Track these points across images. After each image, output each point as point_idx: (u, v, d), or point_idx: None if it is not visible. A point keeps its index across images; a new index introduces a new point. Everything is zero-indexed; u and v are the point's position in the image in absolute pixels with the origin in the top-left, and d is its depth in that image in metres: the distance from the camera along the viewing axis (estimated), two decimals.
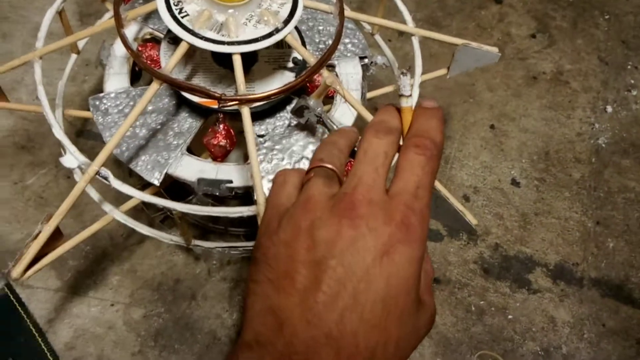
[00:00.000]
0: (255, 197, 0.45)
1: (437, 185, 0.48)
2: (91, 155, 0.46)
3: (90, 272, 0.62)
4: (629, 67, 0.87)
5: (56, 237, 0.45)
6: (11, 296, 0.59)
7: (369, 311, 0.28)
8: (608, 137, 0.79)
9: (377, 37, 0.66)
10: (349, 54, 0.58)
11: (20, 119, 0.70)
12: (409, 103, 0.35)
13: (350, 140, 0.38)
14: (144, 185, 0.52)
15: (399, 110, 0.36)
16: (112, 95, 0.52)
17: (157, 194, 0.54)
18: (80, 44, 0.60)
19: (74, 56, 0.59)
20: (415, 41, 0.56)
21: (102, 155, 0.44)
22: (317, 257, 0.29)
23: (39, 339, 0.57)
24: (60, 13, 0.54)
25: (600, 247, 0.70)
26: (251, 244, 0.55)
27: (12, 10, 0.81)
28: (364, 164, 0.32)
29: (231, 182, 0.48)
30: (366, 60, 0.58)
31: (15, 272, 0.43)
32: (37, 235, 0.44)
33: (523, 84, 0.83)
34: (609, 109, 0.82)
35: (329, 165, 0.34)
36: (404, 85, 0.35)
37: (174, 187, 0.56)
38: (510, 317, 0.65)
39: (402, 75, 0.36)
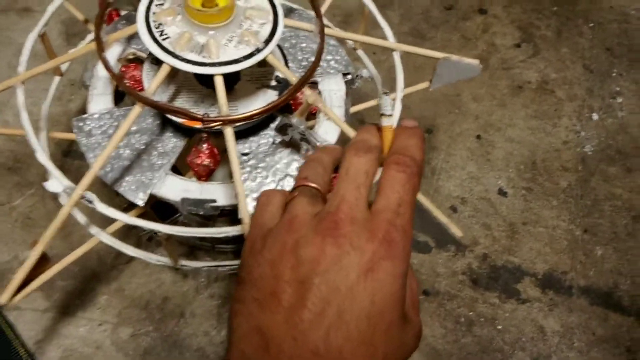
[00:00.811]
0: (240, 216, 0.45)
1: (421, 198, 0.48)
2: (78, 175, 0.46)
3: (78, 292, 0.62)
4: (613, 74, 0.87)
5: (43, 261, 0.46)
6: None
7: (354, 328, 0.29)
8: (594, 144, 0.80)
9: (361, 52, 0.66)
10: (332, 71, 0.58)
11: (7, 141, 0.71)
12: (389, 122, 0.36)
13: (334, 157, 0.39)
14: (129, 204, 0.52)
15: (379, 129, 0.37)
16: (96, 116, 0.52)
17: (145, 212, 0.54)
18: (64, 66, 0.60)
19: (57, 78, 0.59)
20: (396, 56, 0.56)
21: (86, 179, 0.44)
22: (301, 275, 0.30)
23: None
24: (42, 36, 0.54)
25: (588, 255, 0.70)
26: (238, 261, 0.55)
27: None
28: (346, 182, 0.32)
29: (215, 201, 0.48)
30: (349, 77, 0.59)
31: (4, 298, 0.43)
32: (24, 261, 0.44)
33: (508, 94, 0.84)
34: (595, 116, 0.83)
35: (313, 185, 0.35)
36: (385, 105, 0.36)
37: (160, 205, 0.56)
38: (499, 327, 0.65)
39: (383, 94, 0.36)
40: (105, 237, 0.50)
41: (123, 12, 0.59)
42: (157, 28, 0.45)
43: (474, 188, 0.74)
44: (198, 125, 0.48)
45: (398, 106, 0.54)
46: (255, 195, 0.49)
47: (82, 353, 0.59)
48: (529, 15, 0.93)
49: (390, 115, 0.36)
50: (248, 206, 0.46)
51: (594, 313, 0.67)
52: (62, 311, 0.61)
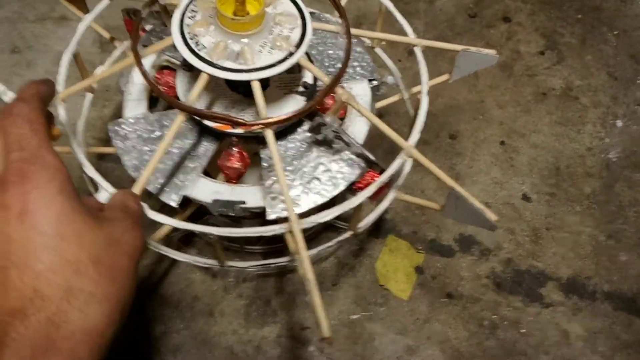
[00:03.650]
0: (283, 215, 0.46)
1: (455, 186, 0.50)
2: (112, 177, 0.48)
3: None
4: (638, 81, 0.87)
5: None
6: None
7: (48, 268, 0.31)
8: (618, 151, 0.80)
9: (380, 52, 0.68)
10: (357, 77, 0.60)
11: None
12: None
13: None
14: (162, 207, 0.54)
15: None
16: (131, 120, 0.54)
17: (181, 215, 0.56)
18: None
19: (89, 95, 0.62)
20: (418, 51, 0.58)
21: (137, 189, 0.46)
22: None
23: None
24: (75, 56, 0.56)
25: (612, 261, 0.71)
26: (278, 260, 0.57)
27: (35, 40, 0.84)
28: None
29: (245, 202, 0.50)
30: (375, 83, 0.60)
31: None
32: None
33: (532, 100, 0.84)
34: (619, 123, 0.83)
35: None
36: None
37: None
38: (523, 331, 0.65)
39: None
40: (153, 244, 0.51)
41: (148, 27, 0.61)
42: (192, 39, 0.47)
43: (498, 193, 0.75)
44: (229, 129, 0.50)
45: (425, 98, 0.55)
46: (282, 197, 0.51)
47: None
48: (553, 22, 0.94)
49: None
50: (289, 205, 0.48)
51: (618, 318, 0.67)
52: None
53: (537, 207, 0.75)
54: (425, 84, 0.56)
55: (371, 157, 0.52)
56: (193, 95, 0.46)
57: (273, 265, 0.56)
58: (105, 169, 0.72)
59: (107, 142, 0.74)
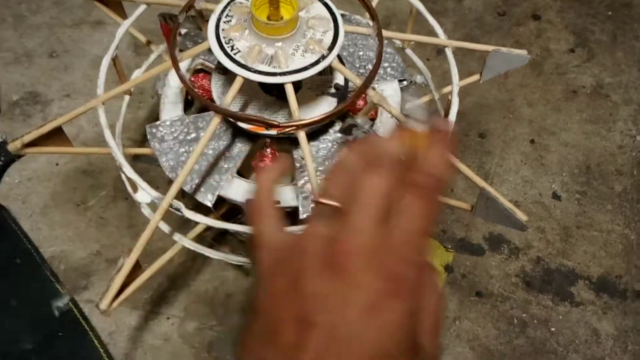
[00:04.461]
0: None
1: (486, 186, 0.50)
2: (147, 177, 0.49)
3: (147, 288, 0.66)
4: None
5: (136, 268, 0.49)
6: (75, 310, 0.64)
7: None
8: None
9: (410, 52, 0.68)
10: (388, 77, 0.60)
11: (81, 145, 0.75)
12: (417, 126, 0.34)
13: (367, 157, 0.34)
14: (196, 205, 0.55)
15: (408, 130, 0.34)
16: (168, 122, 0.56)
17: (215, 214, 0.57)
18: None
19: (127, 97, 0.63)
20: (448, 52, 0.58)
21: (174, 189, 0.47)
22: (303, 313, 0.28)
23: (101, 351, 0.61)
24: (114, 60, 0.58)
25: None
26: None
27: (72, 44, 0.86)
28: (360, 208, 0.30)
29: (278, 202, 0.51)
30: (405, 83, 0.61)
31: (104, 304, 0.46)
32: (120, 268, 0.47)
33: (562, 99, 0.84)
34: None
35: (333, 203, 0.31)
36: (415, 111, 0.34)
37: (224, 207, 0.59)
38: (553, 329, 0.66)
39: (409, 95, 0.35)
40: (187, 242, 0.53)
41: (183, 31, 0.62)
42: (227, 43, 0.49)
43: (528, 192, 0.75)
44: (262, 130, 0.51)
45: (455, 99, 0.56)
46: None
47: (151, 345, 0.63)
48: (583, 19, 0.93)
49: (422, 122, 0.34)
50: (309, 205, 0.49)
51: None
52: (132, 306, 0.65)
53: (567, 205, 0.74)
54: (456, 85, 0.57)
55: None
56: (228, 98, 0.47)
57: None
58: (139, 170, 0.73)
59: (142, 143, 0.76)
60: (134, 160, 0.75)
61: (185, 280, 0.67)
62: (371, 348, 0.27)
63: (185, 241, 0.53)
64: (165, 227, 0.53)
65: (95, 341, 0.62)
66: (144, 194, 0.48)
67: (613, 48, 0.90)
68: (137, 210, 0.56)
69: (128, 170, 0.50)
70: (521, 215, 0.51)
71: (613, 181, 0.77)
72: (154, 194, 0.49)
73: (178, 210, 0.48)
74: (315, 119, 0.48)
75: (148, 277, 0.50)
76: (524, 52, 0.58)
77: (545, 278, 0.69)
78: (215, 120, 0.47)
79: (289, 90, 0.48)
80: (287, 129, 0.47)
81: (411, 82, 0.63)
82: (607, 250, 0.71)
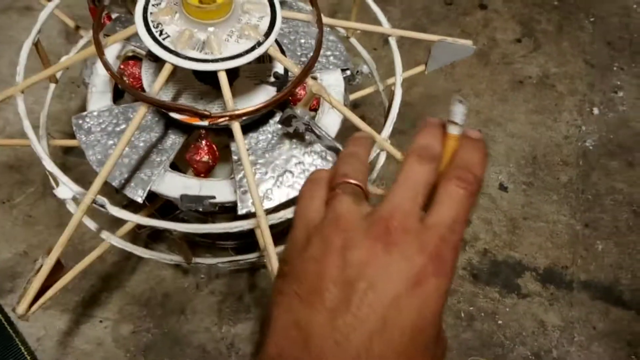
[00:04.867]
0: (254, 210, 0.45)
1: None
2: (78, 173, 0.46)
3: (78, 289, 0.62)
4: (614, 68, 0.87)
5: (57, 269, 0.45)
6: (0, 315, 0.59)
7: (397, 339, 0.28)
8: (595, 139, 0.80)
9: (354, 41, 0.66)
10: (330, 66, 0.58)
11: (8, 139, 0.71)
12: (457, 131, 0.34)
13: (368, 149, 0.38)
14: (129, 202, 0.52)
15: (443, 131, 0.35)
16: (95, 114, 0.52)
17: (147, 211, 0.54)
18: (58, 73, 0.60)
19: (52, 85, 0.59)
20: (392, 41, 0.57)
21: (97, 184, 0.44)
22: (348, 277, 0.29)
23: (28, 358, 0.57)
24: (36, 45, 0.54)
25: (589, 250, 0.70)
26: (247, 257, 0.56)
27: None
28: (404, 189, 0.32)
29: (214, 197, 0.48)
30: (348, 72, 0.59)
31: (21, 308, 0.43)
32: (39, 269, 0.44)
33: (509, 89, 0.84)
34: (596, 111, 0.82)
35: (355, 182, 0.34)
36: (456, 113, 0.34)
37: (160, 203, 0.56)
38: (500, 322, 0.65)
39: (458, 102, 0.34)
40: (115, 240, 0.50)
41: (114, 15, 0.59)
42: (156, 27, 0.45)
43: None
44: (197, 121, 0.48)
45: (398, 91, 0.54)
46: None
47: (83, 350, 0.59)
48: (529, 9, 0.93)
49: (461, 126, 0.34)
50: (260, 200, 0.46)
51: (595, 307, 0.66)
52: (63, 308, 0.61)
53: (513, 196, 0.74)
54: (399, 76, 0.55)
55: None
56: (156, 86, 0.44)
57: (242, 261, 0.55)
58: (71, 164, 0.69)
59: (73, 136, 0.72)
60: (65, 154, 0.71)
61: (119, 280, 0.63)
62: (412, 318, 0.28)
63: (113, 239, 0.49)
64: (91, 225, 0.49)
65: (22, 347, 0.58)
66: (65, 189, 0.44)
67: (559, 38, 0.90)
68: (67, 208, 0.53)
69: (48, 164, 0.47)
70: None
71: (559, 172, 0.76)
72: (76, 189, 0.45)
73: (102, 206, 0.44)
74: (250, 109, 0.45)
75: (72, 279, 0.47)
76: (469, 42, 0.56)
77: (492, 270, 0.68)
78: (142, 109, 0.44)
79: (222, 79, 0.45)
80: (219, 120, 0.44)
81: (357, 72, 0.61)
82: (554, 241, 0.71)
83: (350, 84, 0.60)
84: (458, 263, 0.67)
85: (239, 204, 0.49)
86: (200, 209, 0.48)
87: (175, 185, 0.50)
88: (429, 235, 0.30)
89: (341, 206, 0.32)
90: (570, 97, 0.84)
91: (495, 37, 0.89)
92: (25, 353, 0.58)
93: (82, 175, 0.64)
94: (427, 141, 0.34)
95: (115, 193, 0.63)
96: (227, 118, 0.44)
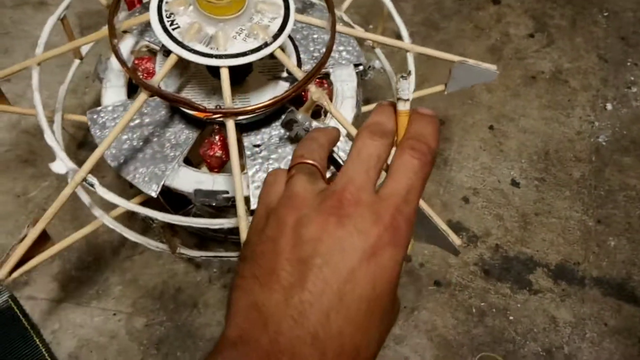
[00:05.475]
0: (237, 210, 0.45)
1: (422, 205, 0.46)
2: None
3: (92, 283, 0.63)
4: (628, 63, 0.86)
5: (43, 240, 0.46)
6: (15, 307, 0.60)
7: (354, 312, 0.29)
8: (608, 135, 0.79)
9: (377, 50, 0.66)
10: (343, 62, 0.58)
11: (23, 133, 0.71)
12: (406, 107, 0.35)
13: (330, 136, 0.38)
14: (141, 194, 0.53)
15: (395, 110, 0.35)
16: (109, 108, 0.53)
17: (156, 202, 0.54)
18: (84, 51, 0.60)
19: (76, 62, 0.60)
20: (410, 58, 0.56)
21: (89, 163, 0.45)
22: (302, 255, 0.29)
23: (43, 350, 0.58)
24: (62, 20, 0.54)
25: (601, 246, 0.70)
26: (234, 253, 0.56)
27: (13, 26, 0.82)
28: (356, 164, 0.32)
29: (227, 192, 0.49)
30: (361, 68, 0.58)
31: (1, 273, 0.44)
32: (23, 238, 0.44)
33: (522, 84, 0.83)
34: (609, 106, 0.82)
35: (310, 161, 0.34)
36: (402, 89, 0.35)
37: (174, 196, 0.56)
38: (511, 318, 0.65)
39: (401, 78, 0.35)
40: (107, 219, 0.50)
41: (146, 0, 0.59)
42: (168, 17, 0.46)
43: (486, 179, 0.74)
44: (211, 116, 0.48)
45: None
46: None
47: (97, 342, 0.60)
48: (543, 4, 0.92)
49: (408, 100, 0.35)
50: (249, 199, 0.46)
51: (607, 304, 0.66)
52: (77, 302, 0.62)
53: (525, 192, 0.74)
54: (410, 92, 0.55)
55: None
56: (159, 75, 0.44)
57: (234, 258, 0.55)
58: (84, 159, 0.70)
59: (88, 130, 0.73)
60: (78, 149, 0.71)
61: (133, 275, 0.64)
62: (368, 290, 0.29)
63: (106, 219, 0.50)
64: (85, 199, 0.50)
65: (37, 340, 0.59)
66: (60, 164, 0.45)
67: (572, 33, 0.89)
68: (81, 202, 0.54)
69: (49, 136, 0.47)
70: (455, 239, 0.48)
71: (571, 167, 0.76)
72: (70, 165, 0.46)
73: (92, 185, 0.45)
74: (246, 108, 0.45)
75: (58, 251, 0.48)
76: (492, 66, 0.55)
77: (504, 266, 0.68)
78: (142, 96, 0.44)
79: (224, 75, 0.45)
80: (214, 116, 0.44)
81: (369, 67, 0.61)
82: (565, 237, 0.71)
83: (363, 78, 0.60)
84: (469, 259, 0.68)
85: (252, 199, 0.49)
86: (214, 204, 0.49)
87: (188, 180, 0.50)
88: (383, 206, 0.30)
89: (295, 185, 0.32)
90: (584, 92, 0.83)
91: (508, 32, 0.89)
92: (40, 345, 0.58)
93: (97, 168, 0.64)
94: (379, 118, 0.35)
95: (130, 187, 0.64)
96: (220, 115, 0.45)
